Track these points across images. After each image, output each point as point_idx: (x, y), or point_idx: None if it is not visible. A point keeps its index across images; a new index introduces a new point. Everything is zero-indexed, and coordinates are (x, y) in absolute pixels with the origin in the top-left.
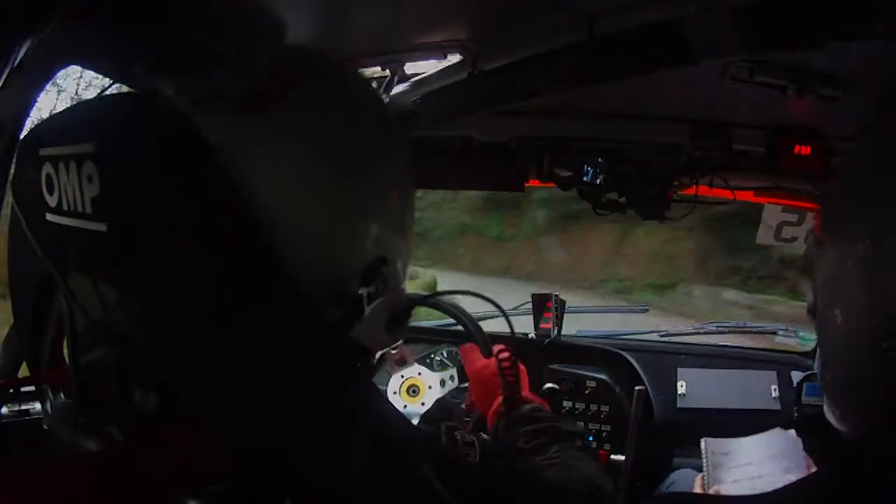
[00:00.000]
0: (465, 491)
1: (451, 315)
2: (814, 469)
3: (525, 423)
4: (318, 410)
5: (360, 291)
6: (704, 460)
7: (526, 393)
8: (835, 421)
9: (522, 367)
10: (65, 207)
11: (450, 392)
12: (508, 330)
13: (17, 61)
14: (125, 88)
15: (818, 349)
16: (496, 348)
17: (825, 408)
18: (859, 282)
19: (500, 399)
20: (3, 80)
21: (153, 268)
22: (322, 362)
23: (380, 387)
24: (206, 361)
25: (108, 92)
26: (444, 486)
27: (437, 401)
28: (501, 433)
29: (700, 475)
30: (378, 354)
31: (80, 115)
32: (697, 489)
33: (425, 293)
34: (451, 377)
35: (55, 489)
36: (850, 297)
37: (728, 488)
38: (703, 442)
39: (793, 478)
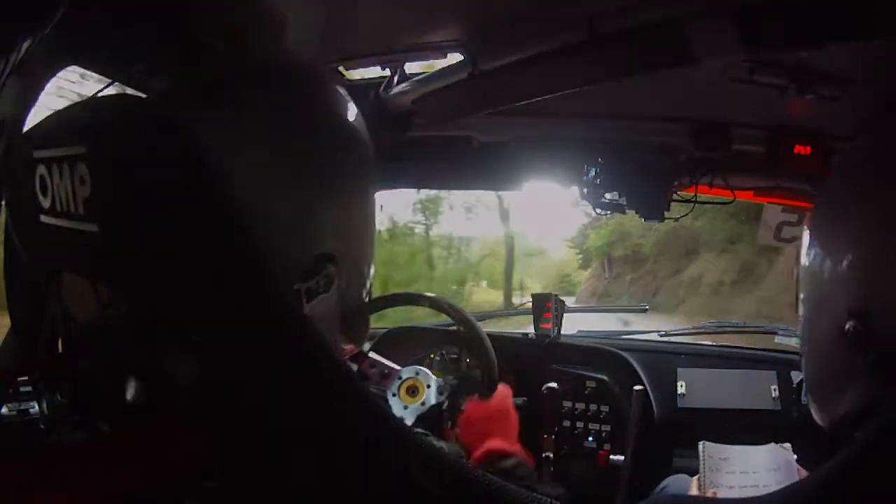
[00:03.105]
0: (458, 490)
1: (447, 313)
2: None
3: (503, 477)
4: (308, 411)
5: (297, 286)
6: (702, 463)
7: (512, 445)
8: (814, 414)
9: (515, 415)
10: (58, 209)
11: (447, 399)
12: (508, 331)
13: (17, 61)
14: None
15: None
16: (497, 397)
17: (810, 405)
18: (829, 278)
19: (485, 449)
20: (3, 80)
21: (144, 267)
22: (310, 363)
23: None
24: (197, 359)
25: (104, 92)
26: (434, 484)
27: (431, 407)
28: None
29: (696, 477)
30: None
31: (73, 116)
32: (694, 491)
33: (400, 292)
34: (451, 386)
35: (43, 482)
36: (820, 293)
37: (723, 493)
38: (701, 445)
39: None
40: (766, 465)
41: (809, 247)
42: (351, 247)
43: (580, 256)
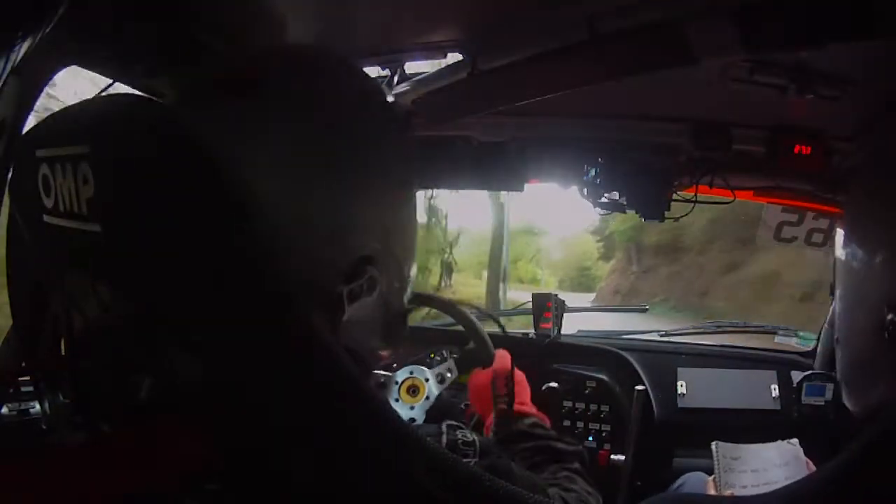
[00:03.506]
0: (461, 491)
1: (451, 314)
2: None
3: (522, 439)
4: (308, 412)
5: (340, 289)
6: (716, 463)
7: (526, 405)
8: (846, 400)
9: (523, 377)
10: (61, 209)
11: (450, 387)
12: (508, 331)
13: (17, 61)
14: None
15: (834, 330)
16: (498, 358)
17: (843, 394)
18: (869, 270)
19: (497, 412)
20: (3, 80)
21: (146, 268)
22: (310, 363)
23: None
24: (197, 359)
25: (106, 92)
26: (436, 486)
27: (439, 397)
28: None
29: (711, 478)
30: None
31: (75, 116)
32: (711, 492)
33: (418, 293)
34: (450, 370)
35: (43, 482)
36: (860, 284)
37: (738, 493)
38: (714, 445)
39: None
40: (776, 462)
41: (846, 242)
42: (393, 247)
43: (601, 244)
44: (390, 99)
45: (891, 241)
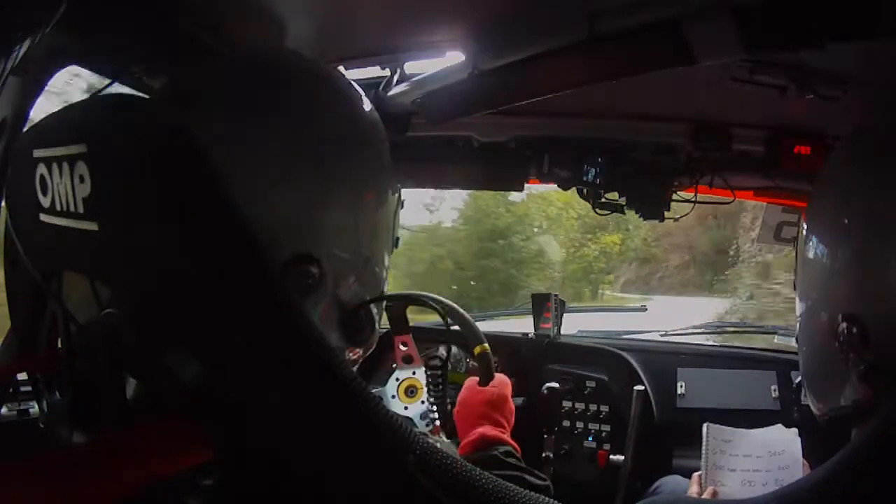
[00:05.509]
0: (450, 483)
1: (438, 310)
2: (807, 472)
3: (494, 466)
4: (301, 407)
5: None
6: (705, 445)
7: (506, 433)
8: (812, 406)
9: (511, 404)
10: (58, 208)
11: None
12: (507, 331)
13: (17, 61)
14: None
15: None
16: (498, 381)
17: (806, 395)
18: (822, 280)
19: (477, 434)
20: (3, 80)
21: (142, 265)
22: (306, 360)
23: (377, 389)
24: (193, 356)
25: (104, 92)
26: (427, 477)
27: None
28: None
29: (697, 474)
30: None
31: (72, 116)
32: (694, 488)
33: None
34: (441, 353)
35: (43, 482)
36: (815, 294)
37: (725, 476)
38: (705, 427)
39: (785, 478)
40: (766, 448)
41: (806, 239)
42: (344, 248)
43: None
44: (367, 107)
45: (852, 243)
